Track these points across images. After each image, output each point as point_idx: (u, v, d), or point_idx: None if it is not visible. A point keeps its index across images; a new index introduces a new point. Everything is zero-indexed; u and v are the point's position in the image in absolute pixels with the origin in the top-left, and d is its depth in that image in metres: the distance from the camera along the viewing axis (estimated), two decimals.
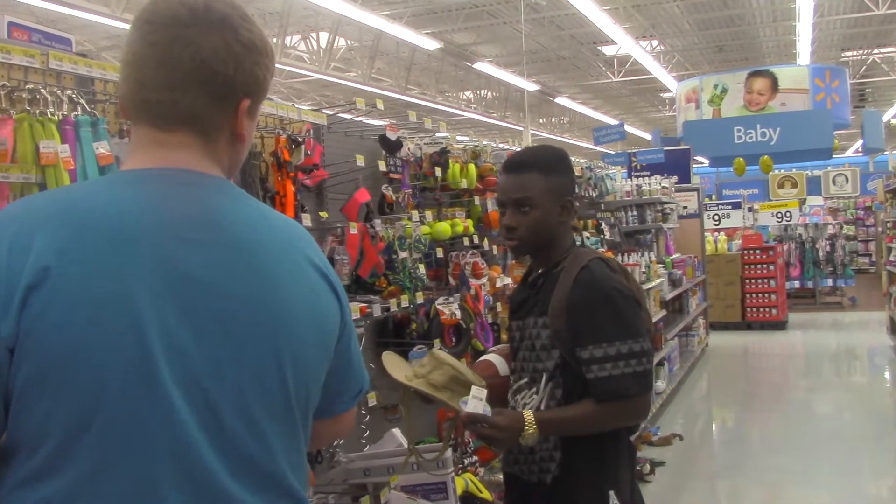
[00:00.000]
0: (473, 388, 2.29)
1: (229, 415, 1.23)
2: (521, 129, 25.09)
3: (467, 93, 24.18)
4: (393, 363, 2.52)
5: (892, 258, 11.80)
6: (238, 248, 1.27)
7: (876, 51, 21.06)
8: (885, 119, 22.64)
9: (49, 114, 2.24)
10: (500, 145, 6.00)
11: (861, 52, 21.28)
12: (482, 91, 24.33)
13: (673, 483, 6.37)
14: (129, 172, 1.31)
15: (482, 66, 19.66)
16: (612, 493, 2.28)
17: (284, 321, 1.29)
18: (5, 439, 1.19)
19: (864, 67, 22.30)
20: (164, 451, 1.18)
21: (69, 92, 2.32)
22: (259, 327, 1.26)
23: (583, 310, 2.26)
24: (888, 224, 12.78)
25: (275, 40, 15.71)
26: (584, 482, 2.30)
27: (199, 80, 1.28)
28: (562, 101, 25.35)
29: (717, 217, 14.88)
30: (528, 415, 2.25)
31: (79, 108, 2.33)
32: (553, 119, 29.54)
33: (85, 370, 1.14)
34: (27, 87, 2.24)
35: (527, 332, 2.40)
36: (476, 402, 2.23)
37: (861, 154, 26.29)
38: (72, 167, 2.25)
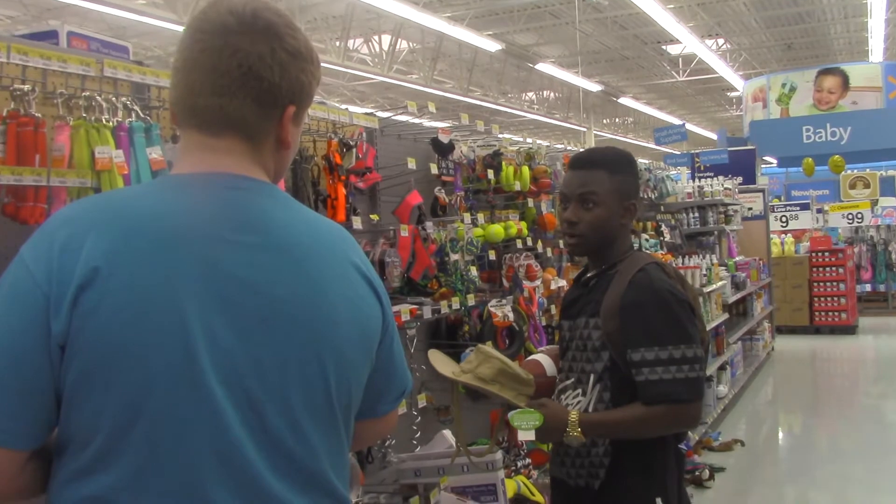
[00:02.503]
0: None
1: (272, 414, 1.25)
2: (584, 129, 24.93)
3: (530, 94, 24.10)
4: (439, 360, 2.54)
5: None
6: (282, 251, 1.30)
7: None
8: None
9: (104, 120, 2.31)
10: (557, 146, 5.96)
11: None
12: (545, 92, 24.23)
13: (734, 489, 6.25)
14: (178, 177, 1.35)
15: (544, 67, 19.58)
16: (658, 500, 2.27)
17: (327, 323, 1.31)
18: (58, 434, 1.23)
19: None
20: (208, 449, 1.21)
21: (124, 98, 2.39)
22: (302, 328, 1.28)
23: (636, 312, 2.25)
24: None
25: (337, 43, 15.90)
26: (632, 489, 2.29)
27: (245, 86, 1.31)
28: (625, 101, 25.10)
29: (784, 219, 14.56)
30: (574, 416, 2.24)
31: (133, 115, 2.39)
32: (617, 119, 29.27)
33: (132, 368, 1.18)
34: (83, 94, 2.31)
35: (577, 332, 2.40)
36: (527, 432, 2.28)
37: None
38: (126, 172, 2.31)
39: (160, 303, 1.19)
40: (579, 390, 2.36)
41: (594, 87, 21.75)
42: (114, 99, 2.34)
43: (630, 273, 2.32)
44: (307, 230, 1.36)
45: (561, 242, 5.49)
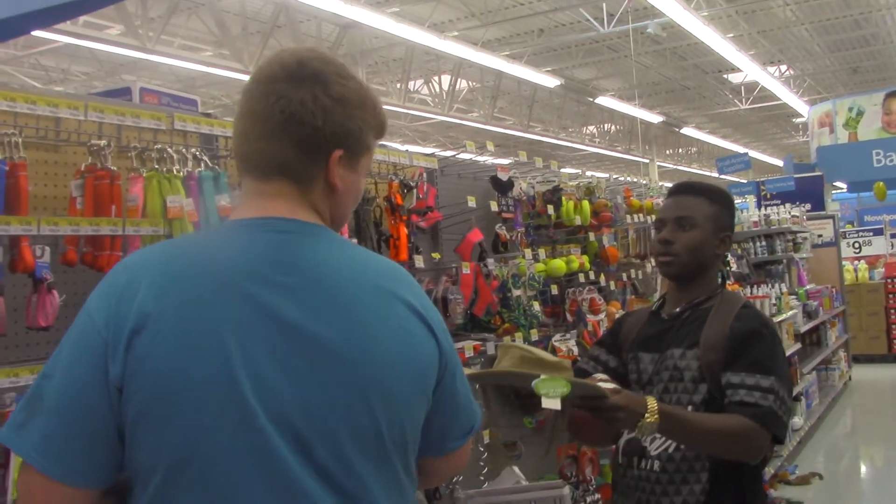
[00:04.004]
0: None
1: (321, 453, 1.27)
2: (647, 161, 24.76)
3: (590, 127, 24.08)
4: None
5: None
6: (327, 291, 1.32)
7: None
8: None
9: (175, 171, 2.42)
10: (619, 178, 5.97)
11: None
12: (605, 125, 24.18)
13: None
14: (232, 222, 1.41)
15: (604, 101, 19.57)
16: None
17: (373, 362, 1.31)
18: (128, 474, 1.29)
19: None
20: (263, 485, 1.24)
21: (193, 149, 2.50)
22: (347, 368, 1.29)
23: (746, 340, 2.26)
24: None
25: (398, 85, 16.15)
26: None
27: (287, 131, 1.36)
28: (688, 131, 24.88)
29: (857, 245, 14.21)
30: (652, 402, 2.11)
31: (202, 164, 2.50)
32: (680, 150, 29.01)
33: (183, 408, 1.23)
34: (155, 147, 2.43)
35: (667, 364, 2.35)
36: (553, 400, 1.99)
37: None
38: (196, 219, 2.42)
39: (206, 345, 1.24)
40: None
41: (655, 118, 21.64)
42: (184, 150, 2.46)
43: (733, 308, 2.34)
44: (355, 269, 1.38)
45: (625, 275, 5.48)
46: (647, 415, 2.05)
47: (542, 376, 2.01)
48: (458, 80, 17.46)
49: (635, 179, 6.54)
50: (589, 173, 6.06)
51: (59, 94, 2.28)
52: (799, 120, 24.93)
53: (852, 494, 7.05)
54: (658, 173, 24.89)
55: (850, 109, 17.87)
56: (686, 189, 2.48)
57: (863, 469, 8.22)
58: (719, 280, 2.50)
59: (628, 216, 5.46)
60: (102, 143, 2.27)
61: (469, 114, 19.43)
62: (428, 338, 1.40)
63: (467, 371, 2.28)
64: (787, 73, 20.12)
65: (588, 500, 4.41)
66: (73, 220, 2.16)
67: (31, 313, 2.10)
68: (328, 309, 1.31)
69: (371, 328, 1.33)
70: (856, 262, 13.97)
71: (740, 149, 24.21)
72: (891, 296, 13.26)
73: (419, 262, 3.44)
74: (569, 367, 2.24)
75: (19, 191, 2.05)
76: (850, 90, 21.21)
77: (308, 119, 1.36)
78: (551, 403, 1.98)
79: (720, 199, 2.47)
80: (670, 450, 2.29)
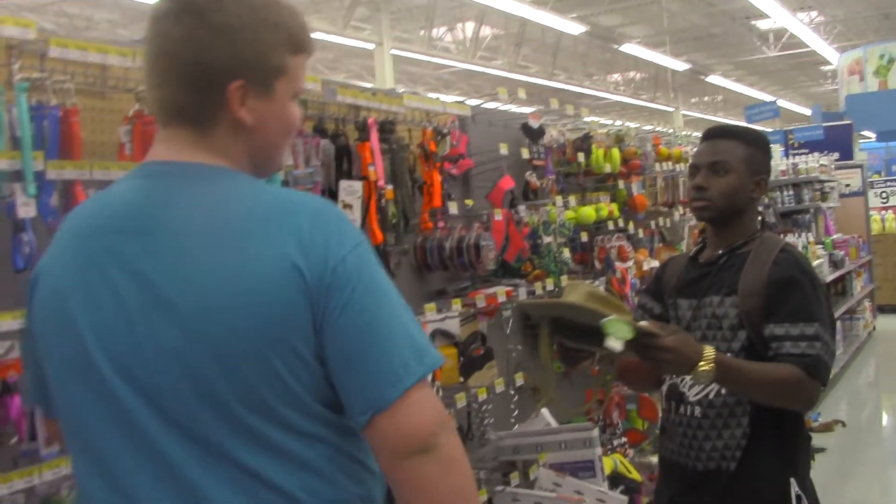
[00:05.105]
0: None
1: (169, 403, 1.23)
2: (672, 109, 24.52)
3: (615, 75, 23.83)
4: (525, 310, 2.34)
5: None
6: (171, 237, 1.25)
7: None
8: None
9: None
10: (645, 127, 5.96)
11: None
12: (630, 73, 23.92)
13: (836, 470, 6.16)
14: (127, 174, 1.40)
15: (630, 48, 19.34)
16: (792, 480, 2.25)
17: (203, 312, 1.21)
18: None
19: None
20: (119, 438, 1.24)
21: None
22: (178, 317, 1.21)
23: (784, 288, 2.24)
24: None
25: (422, 33, 16.04)
26: (768, 470, 2.26)
27: (173, 72, 1.28)
28: (714, 79, 24.57)
29: (884, 194, 14.08)
30: (710, 351, 2.08)
31: None
32: (706, 98, 28.68)
33: (49, 361, 1.33)
34: None
35: (704, 311, 2.35)
36: (617, 342, 1.99)
37: None
38: None
39: (59, 299, 1.29)
40: None
41: (681, 65, 21.36)
42: None
43: (771, 253, 2.31)
44: (214, 212, 1.26)
45: (653, 223, 5.50)
46: (702, 363, 2.05)
47: (612, 316, 2.01)
48: (482, 27, 17.30)
49: (660, 128, 6.52)
50: (617, 122, 6.05)
51: (105, 40, 2.31)
52: (827, 68, 24.52)
53: (873, 441, 7.12)
54: (683, 122, 24.66)
55: (882, 57, 17.57)
56: (720, 133, 2.43)
57: (885, 417, 8.28)
58: (759, 223, 2.46)
59: (657, 164, 5.47)
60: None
61: (493, 61, 19.27)
62: (285, 287, 1.21)
63: (533, 301, 2.23)
64: (818, 19, 19.75)
65: (615, 443, 4.50)
66: (123, 164, 2.21)
67: None
68: (171, 256, 1.23)
69: (209, 277, 1.21)
70: (883, 212, 13.85)
71: (767, 97, 23.88)
72: None
73: (453, 208, 3.48)
74: (630, 312, 2.22)
75: (73, 136, 2.11)
76: (881, 37, 20.80)
77: (188, 56, 1.26)
78: (615, 345, 1.98)
79: (755, 141, 2.42)
80: (710, 395, 2.30)
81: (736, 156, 2.36)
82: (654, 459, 4.54)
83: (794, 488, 2.24)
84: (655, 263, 4.91)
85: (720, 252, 2.40)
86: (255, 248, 1.22)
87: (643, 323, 2.14)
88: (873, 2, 18.84)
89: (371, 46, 15.46)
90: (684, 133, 6.72)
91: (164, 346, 1.22)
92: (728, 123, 2.56)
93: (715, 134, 2.44)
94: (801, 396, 2.20)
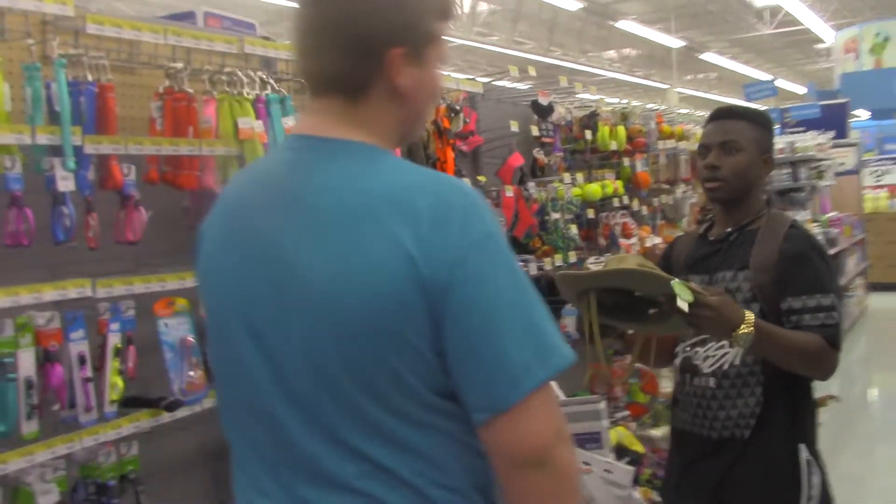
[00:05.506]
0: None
1: (292, 375, 1.25)
2: (667, 87, 24.51)
3: (611, 52, 23.79)
4: (568, 281, 2.29)
5: None
6: (304, 212, 1.25)
7: None
8: None
9: (245, 93, 2.51)
10: (649, 106, 6.01)
11: None
12: (626, 50, 23.87)
13: (828, 445, 6.20)
14: (279, 144, 1.48)
15: (625, 24, 19.31)
16: (802, 446, 2.34)
17: (326, 288, 1.20)
18: None
19: None
20: (245, 401, 1.31)
21: (260, 73, 2.59)
22: (305, 292, 1.22)
23: (798, 262, 2.33)
24: None
25: None
26: (780, 436, 2.35)
27: (335, 39, 1.26)
28: (709, 56, 24.55)
29: (878, 173, 14.18)
30: (750, 315, 2.15)
31: (268, 88, 2.59)
32: (700, 76, 28.66)
33: (210, 299, 1.40)
34: (226, 70, 2.51)
35: (717, 286, 2.39)
36: (683, 303, 2.06)
37: None
38: (265, 140, 2.52)
39: (207, 261, 1.39)
40: (725, 342, 2.36)
41: (677, 42, 21.34)
42: (252, 73, 2.54)
43: (781, 229, 2.40)
44: (343, 191, 1.23)
45: (656, 200, 5.57)
46: (743, 326, 2.13)
47: (676, 280, 2.08)
48: (479, 2, 17.23)
49: (655, 106, 6.57)
50: (622, 101, 6.10)
51: (136, 18, 2.36)
52: (821, 46, 24.54)
53: (865, 417, 7.24)
54: (678, 99, 24.66)
55: (877, 35, 17.60)
56: (728, 113, 2.50)
57: (876, 393, 8.41)
58: (764, 201, 2.54)
59: (659, 142, 5.52)
60: (180, 65, 2.35)
61: (489, 37, 19.21)
62: (398, 277, 1.17)
63: (578, 273, 2.24)
64: None
65: (617, 416, 4.58)
66: (155, 140, 2.27)
67: (119, 228, 2.23)
68: (303, 235, 1.24)
69: (327, 260, 1.20)
70: (877, 190, 13.96)
71: (764, 75, 23.90)
72: None
73: None
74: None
75: (108, 112, 2.15)
76: (877, 14, 20.82)
77: (349, 23, 1.25)
78: (683, 305, 2.05)
79: (761, 121, 2.50)
80: (725, 366, 2.38)
81: (745, 135, 2.43)
82: (655, 432, 4.65)
83: (804, 454, 2.33)
84: (658, 240, 4.98)
85: (730, 230, 2.48)
86: (371, 233, 1.19)
87: (691, 284, 2.18)
88: None
89: None
90: (685, 111, 6.76)
91: (287, 317, 1.24)
92: (734, 104, 2.64)
93: (723, 114, 2.51)
94: (823, 365, 2.29)
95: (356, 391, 1.20)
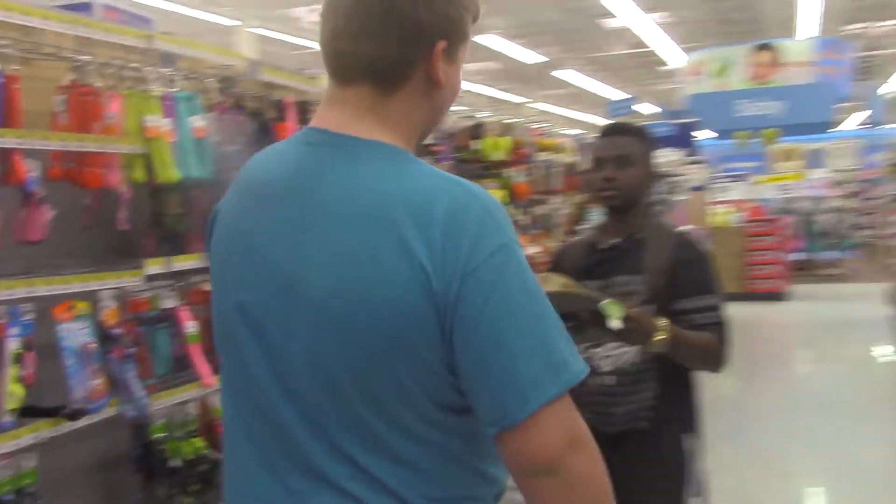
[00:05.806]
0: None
1: (293, 379, 1.23)
2: (526, 101, 25.17)
3: (470, 65, 24.17)
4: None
5: (891, 231, 12.02)
6: (311, 213, 1.22)
7: (879, 23, 21.15)
8: (881, 92, 22.71)
9: (151, 90, 2.43)
10: (515, 120, 6.20)
11: (864, 24, 21.36)
12: (485, 63, 24.33)
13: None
14: (295, 135, 1.36)
15: (484, 39, 19.69)
16: (683, 436, 2.56)
17: (330, 294, 1.18)
18: None
19: (868, 40, 22.38)
20: (248, 399, 1.28)
21: (168, 70, 2.50)
22: (308, 297, 1.20)
23: (690, 266, 2.54)
24: (888, 197, 12.99)
25: (278, 12, 15.75)
26: (668, 429, 2.53)
27: (386, 26, 1.22)
28: (562, 73, 25.38)
29: (720, 190, 15.06)
30: (664, 322, 2.36)
31: (176, 85, 2.51)
32: (554, 91, 29.56)
33: (216, 283, 1.38)
34: (131, 65, 2.42)
35: (613, 290, 2.52)
36: (616, 321, 2.22)
37: (866, 127, 26.35)
38: (172, 139, 2.44)
39: (218, 245, 1.37)
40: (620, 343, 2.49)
41: (538, 58, 21.94)
42: (161, 70, 2.46)
43: (669, 236, 2.63)
44: (355, 192, 1.19)
45: (532, 210, 5.72)
46: (661, 332, 2.33)
47: (609, 300, 2.23)
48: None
49: (514, 119, 6.79)
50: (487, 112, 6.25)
51: (36, 5, 2.23)
52: (665, 68, 25.85)
53: (706, 421, 7.62)
54: (531, 114, 25.35)
55: (720, 60, 18.73)
56: (619, 130, 2.71)
57: (715, 398, 8.87)
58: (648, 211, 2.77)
59: (535, 154, 5.69)
60: (87, 58, 2.25)
61: None
62: (409, 287, 1.14)
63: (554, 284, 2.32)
64: (666, 19, 20.78)
65: None
66: (62, 135, 2.16)
67: (20, 227, 2.11)
68: (309, 235, 1.21)
69: (335, 264, 1.18)
70: (720, 205, 14.85)
71: (617, 93, 24.94)
72: (749, 239, 14.22)
73: None
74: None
75: (13, 104, 2.03)
76: (719, 41, 22.14)
77: (409, 10, 1.22)
78: (616, 324, 2.20)
79: (647, 138, 2.73)
80: (624, 365, 2.52)
81: (635, 150, 2.64)
82: None
83: (689, 442, 2.55)
84: (538, 249, 5.12)
85: (620, 239, 2.66)
86: (383, 239, 1.15)
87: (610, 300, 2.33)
88: (713, 7, 20.00)
89: (230, 23, 15.11)
90: (547, 125, 7.03)
91: (293, 320, 1.21)
92: (623, 122, 2.87)
93: (615, 131, 2.72)
94: (718, 359, 2.52)
95: (358, 400, 1.18)
